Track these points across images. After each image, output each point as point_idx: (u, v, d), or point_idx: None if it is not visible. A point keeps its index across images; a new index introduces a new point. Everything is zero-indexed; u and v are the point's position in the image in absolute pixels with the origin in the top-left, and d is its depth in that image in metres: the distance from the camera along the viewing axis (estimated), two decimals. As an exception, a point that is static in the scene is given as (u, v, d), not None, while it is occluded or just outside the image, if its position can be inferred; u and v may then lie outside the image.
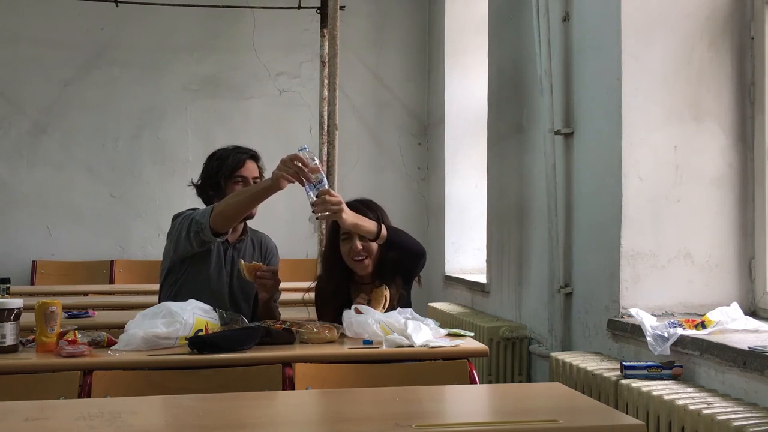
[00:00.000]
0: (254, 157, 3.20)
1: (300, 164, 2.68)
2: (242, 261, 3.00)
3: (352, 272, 2.96)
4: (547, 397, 2.12)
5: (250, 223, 3.23)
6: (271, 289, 3.01)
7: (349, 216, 2.73)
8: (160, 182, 6.10)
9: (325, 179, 2.72)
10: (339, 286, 2.97)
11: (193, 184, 3.22)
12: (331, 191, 2.72)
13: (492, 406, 2.14)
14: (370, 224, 2.80)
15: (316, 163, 2.71)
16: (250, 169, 3.16)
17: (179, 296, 2.92)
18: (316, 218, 2.93)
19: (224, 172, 3.11)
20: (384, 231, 2.80)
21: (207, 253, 3.07)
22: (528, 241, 4.08)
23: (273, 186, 2.78)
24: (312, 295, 3.06)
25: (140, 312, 2.64)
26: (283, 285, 3.17)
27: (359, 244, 2.89)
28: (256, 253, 3.19)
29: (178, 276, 3.08)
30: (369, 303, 2.86)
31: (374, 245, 2.88)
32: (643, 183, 3.10)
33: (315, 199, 2.69)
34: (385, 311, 2.82)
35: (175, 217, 3.09)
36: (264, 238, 3.30)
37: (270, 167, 3.16)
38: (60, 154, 6.03)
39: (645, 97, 3.11)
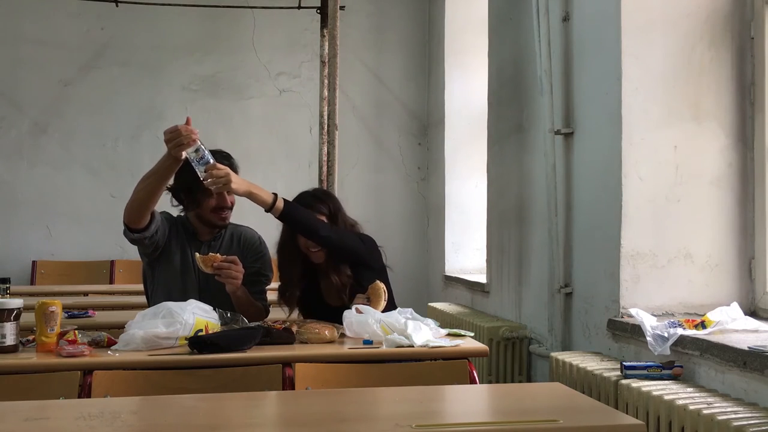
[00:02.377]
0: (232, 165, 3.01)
1: (181, 130, 2.67)
2: (197, 254, 2.91)
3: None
4: (547, 397, 2.12)
5: (242, 218, 3.19)
6: (233, 279, 2.87)
7: (240, 185, 2.75)
8: (160, 182, 6.08)
9: (207, 154, 2.71)
10: (305, 273, 3.03)
11: (167, 188, 3.06)
12: (217, 164, 2.73)
13: (492, 406, 2.13)
14: (265, 194, 2.79)
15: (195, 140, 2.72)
16: None
17: (156, 298, 2.94)
18: (212, 190, 2.90)
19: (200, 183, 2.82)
20: (280, 204, 2.79)
21: (182, 255, 3.07)
22: (528, 241, 4.08)
23: (173, 163, 2.77)
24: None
25: (140, 312, 2.64)
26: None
27: None
28: (234, 248, 3.08)
29: (153, 278, 3.11)
30: (369, 302, 2.86)
31: None
32: (643, 183, 3.10)
33: (204, 174, 2.71)
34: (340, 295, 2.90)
35: None
36: (245, 231, 3.20)
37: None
38: (60, 154, 6.03)
39: (645, 97, 3.11)
